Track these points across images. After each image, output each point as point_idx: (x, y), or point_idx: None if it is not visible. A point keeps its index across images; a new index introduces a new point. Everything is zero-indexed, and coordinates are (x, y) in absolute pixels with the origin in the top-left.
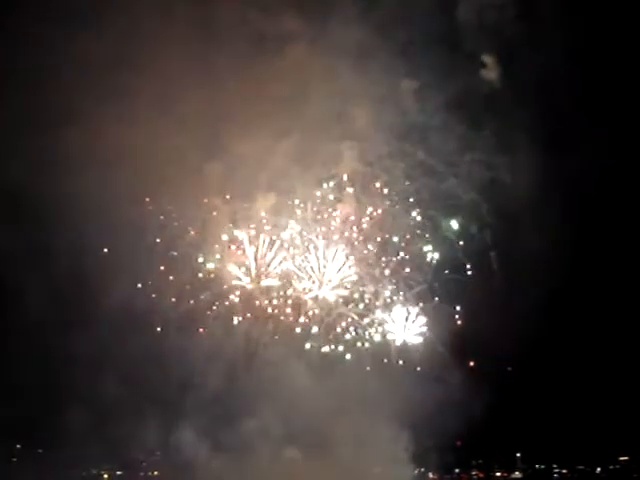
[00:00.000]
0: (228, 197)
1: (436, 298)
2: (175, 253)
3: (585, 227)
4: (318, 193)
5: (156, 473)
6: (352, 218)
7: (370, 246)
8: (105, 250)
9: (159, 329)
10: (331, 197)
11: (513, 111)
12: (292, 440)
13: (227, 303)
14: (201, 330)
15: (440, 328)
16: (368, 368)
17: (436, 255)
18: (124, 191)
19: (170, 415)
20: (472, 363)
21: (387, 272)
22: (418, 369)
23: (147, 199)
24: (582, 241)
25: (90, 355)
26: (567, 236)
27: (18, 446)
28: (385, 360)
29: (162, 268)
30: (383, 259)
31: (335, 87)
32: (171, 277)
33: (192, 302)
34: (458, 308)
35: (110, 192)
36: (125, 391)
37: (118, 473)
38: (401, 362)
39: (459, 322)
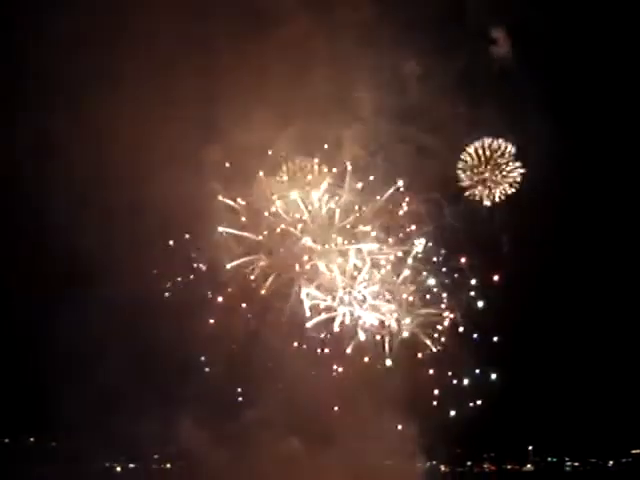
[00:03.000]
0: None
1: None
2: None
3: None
4: None
5: (168, 466)
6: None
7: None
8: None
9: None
10: None
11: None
12: (295, 430)
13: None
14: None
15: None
16: (367, 359)
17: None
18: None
19: (173, 406)
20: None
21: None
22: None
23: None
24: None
25: (91, 345)
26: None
27: (31, 439)
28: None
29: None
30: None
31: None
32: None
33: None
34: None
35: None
36: (129, 381)
37: (131, 466)
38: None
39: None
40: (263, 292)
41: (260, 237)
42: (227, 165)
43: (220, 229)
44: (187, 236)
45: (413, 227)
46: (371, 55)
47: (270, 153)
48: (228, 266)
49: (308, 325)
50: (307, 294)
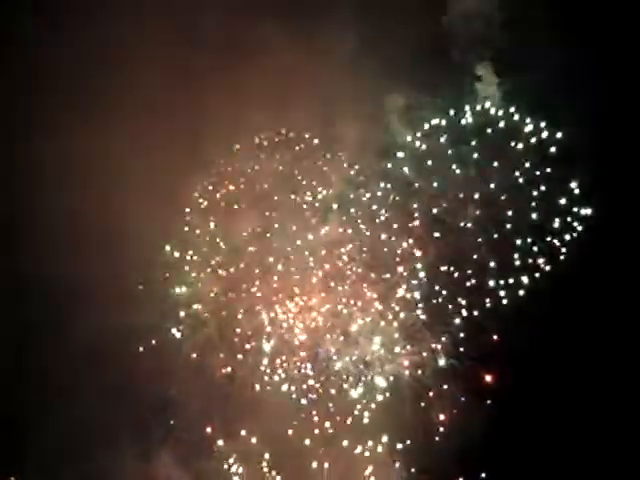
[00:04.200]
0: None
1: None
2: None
3: None
4: None
5: None
6: None
7: None
8: None
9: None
10: None
11: None
12: (275, 466)
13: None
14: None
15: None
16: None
17: None
18: None
19: (148, 442)
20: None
21: None
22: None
23: None
24: None
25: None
26: None
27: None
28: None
29: None
30: None
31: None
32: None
33: None
34: None
35: None
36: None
37: None
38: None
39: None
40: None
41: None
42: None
43: None
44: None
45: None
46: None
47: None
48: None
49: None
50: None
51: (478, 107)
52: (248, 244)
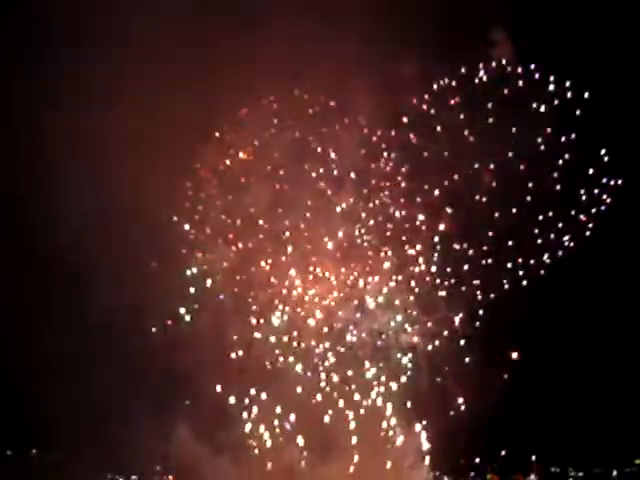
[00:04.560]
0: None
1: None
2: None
3: None
4: None
5: (170, 478)
6: None
7: None
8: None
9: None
10: None
11: None
12: (291, 440)
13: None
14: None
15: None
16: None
17: None
18: None
19: (168, 415)
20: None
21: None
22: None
23: None
24: None
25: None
26: None
27: (34, 451)
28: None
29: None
30: None
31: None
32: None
33: None
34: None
35: None
36: (122, 391)
37: (133, 478)
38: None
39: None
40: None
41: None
42: None
43: None
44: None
45: None
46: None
47: None
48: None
49: None
50: None
51: (493, 64)
52: (261, 216)
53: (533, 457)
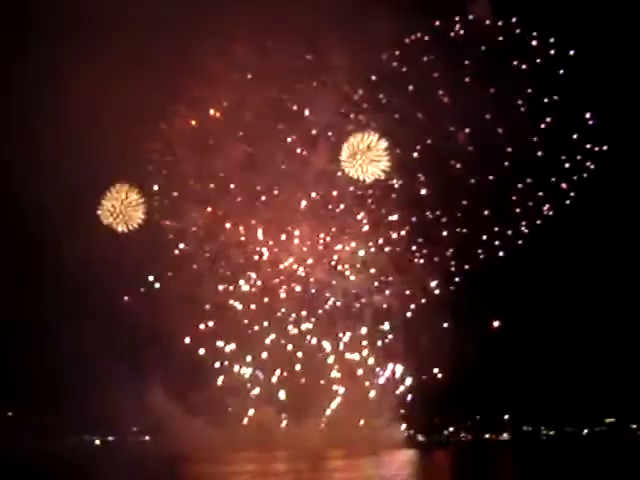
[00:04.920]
0: None
1: None
2: None
3: None
4: None
5: (147, 438)
6: None
7: None
8: None
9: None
10: None
11: None
12: (268, 399)
13: None
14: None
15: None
16: None
17: None
18: None
19: (145, 377)
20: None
21: None
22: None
23: None
24: None
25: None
26: None
27: (9, 413)
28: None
29: None
30: None
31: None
32: None
33: None
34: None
35: None
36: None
37: (110, 439)
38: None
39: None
40: None
41: None
42: None
43: None
44: None
45: None
46: None
47: None
48: None
49: None
50: None
51: (470, 17)
52: (234, 176)
53: (506, 416)
